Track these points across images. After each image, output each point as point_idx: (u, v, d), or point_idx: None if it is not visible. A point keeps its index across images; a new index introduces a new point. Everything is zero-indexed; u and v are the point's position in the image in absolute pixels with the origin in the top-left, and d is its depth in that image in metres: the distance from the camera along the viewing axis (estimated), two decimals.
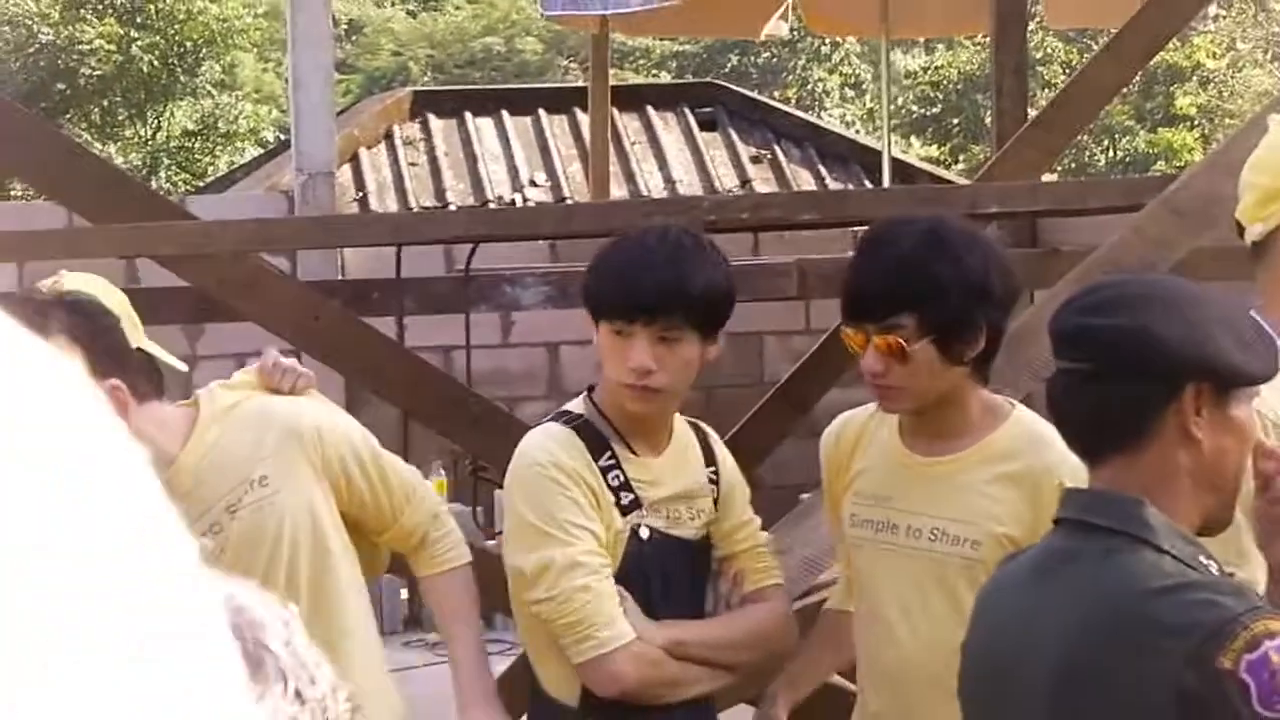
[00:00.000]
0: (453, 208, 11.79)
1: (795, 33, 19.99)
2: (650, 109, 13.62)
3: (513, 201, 12.22)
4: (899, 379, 3.02)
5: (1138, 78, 22.56)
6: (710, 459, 3.36)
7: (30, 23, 22.56)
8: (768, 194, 9.87)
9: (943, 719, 2.62)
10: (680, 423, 3.35)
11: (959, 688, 2.36)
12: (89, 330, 2.93)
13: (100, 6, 22.43)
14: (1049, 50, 25.30)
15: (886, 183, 8.44)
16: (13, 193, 16.25)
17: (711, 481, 3.32)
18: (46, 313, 2.88)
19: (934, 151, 26.24)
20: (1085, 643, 2.08)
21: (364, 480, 3.20)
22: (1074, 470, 2.49)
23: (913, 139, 26.70)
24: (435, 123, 13.24)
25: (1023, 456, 2.93)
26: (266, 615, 1.01)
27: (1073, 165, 24.35)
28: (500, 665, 4.14)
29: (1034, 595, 2.20)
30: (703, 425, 3.44)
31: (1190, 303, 2.18)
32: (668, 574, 3.21)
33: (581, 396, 3.29)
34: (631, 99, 13.66)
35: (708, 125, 13.55)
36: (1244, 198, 2.87)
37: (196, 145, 23.49)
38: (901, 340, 2.98)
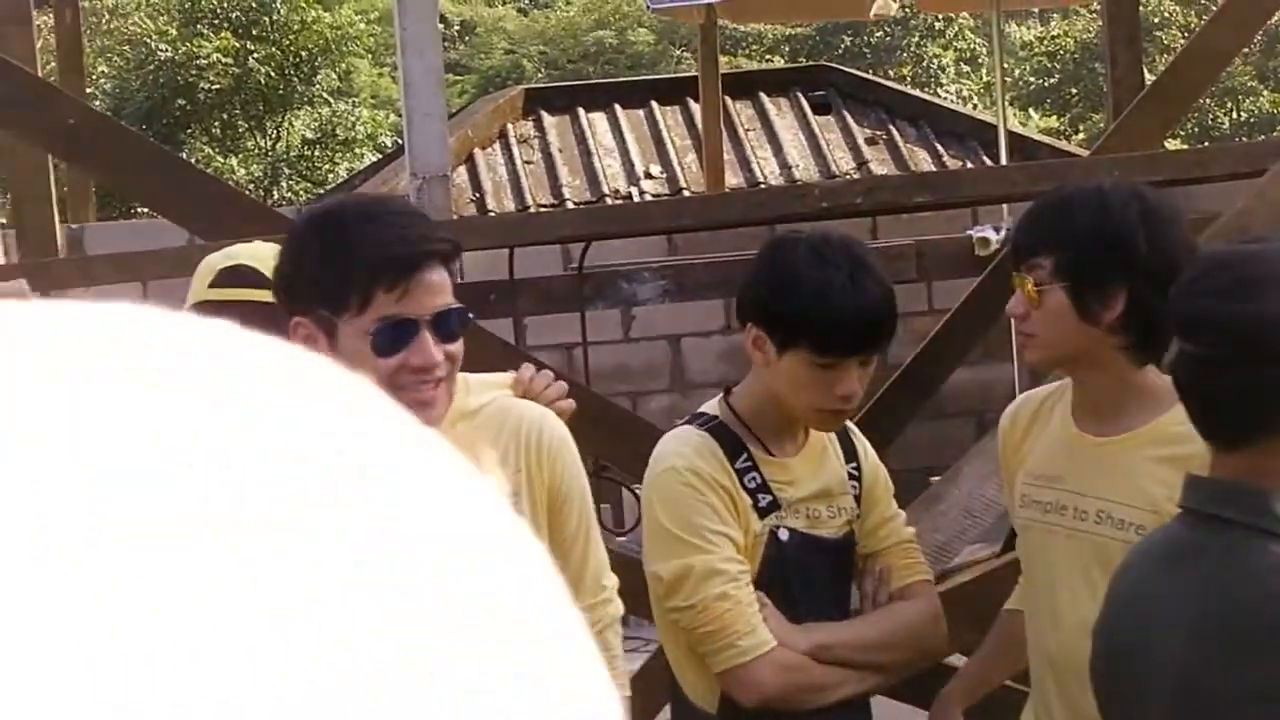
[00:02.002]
0: (569, 205, 11.80)
1: (907, 10, 19.84)
2: (763, 95, 13.57)
3: (629, 195, 12.21)
4: (1034, 325, 2.99)
5: (1259, 37, 22.16)
6: (851, 454, 3.28)
7: (149, 40, 22.92)
8: (881, 176, 9.79)
9: None
10: None
11: (1090, 673, 2.30)
12: None
13: (216, 21, 22.74)
14: (1166, 14, 24.95)
15: (1003, 159, 8.32)
16: (136, 212, 16.49)
17: (853, 478, 3.25)
18: None
19: (1053, 122, 25.99)
20: (1206, 641, 2.02)
21: (569, 524, 2.91)
22: None
23: (1031, 111, 26.46)
24: (548, 119, 13.27)
25: (1195, 440, 2.78)
26: None
27: (1195, 129, 23.99)
28: (636, 661, 4.10)
29: (1161, 586, 2.14)
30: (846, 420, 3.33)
31: None
32: (809, 575, 3.15)
33: (717, 399, 3.23)
34: (743, 86, 13.62)
35: (821, 109, 13.48)
36: None
37: (316, 154, 23.74)
38: (1036, 282, 2.95)
